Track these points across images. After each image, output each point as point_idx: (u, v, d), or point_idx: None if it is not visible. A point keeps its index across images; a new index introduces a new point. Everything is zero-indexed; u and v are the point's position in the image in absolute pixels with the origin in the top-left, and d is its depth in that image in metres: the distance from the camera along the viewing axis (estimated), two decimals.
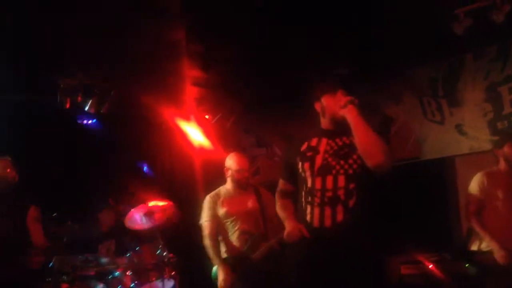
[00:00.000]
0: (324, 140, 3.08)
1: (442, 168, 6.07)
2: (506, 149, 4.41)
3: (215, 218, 4.61)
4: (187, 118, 7.54)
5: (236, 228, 4.55)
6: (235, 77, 6.34)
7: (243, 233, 4.52)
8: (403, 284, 5.09)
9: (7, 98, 5.79)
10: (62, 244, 5.02)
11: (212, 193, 4.77)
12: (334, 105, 3.04)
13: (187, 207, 6.75)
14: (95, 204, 5.93)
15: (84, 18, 4.72)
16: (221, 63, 5.91)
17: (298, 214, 3.13)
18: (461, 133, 5.97)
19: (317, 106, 3.20)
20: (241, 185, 4.69)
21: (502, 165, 4.47)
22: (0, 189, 4.39)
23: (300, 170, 3.08)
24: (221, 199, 4.66)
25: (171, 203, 5.37)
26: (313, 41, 5.46)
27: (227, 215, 4.58)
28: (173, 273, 5.33)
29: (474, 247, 4.42)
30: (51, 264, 4.78)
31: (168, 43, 5.44)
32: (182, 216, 5.54)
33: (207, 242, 4.54)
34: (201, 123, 7.60)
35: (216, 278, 4.41)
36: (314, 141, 3.12)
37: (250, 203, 4.63)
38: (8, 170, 4.46)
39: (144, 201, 5.53)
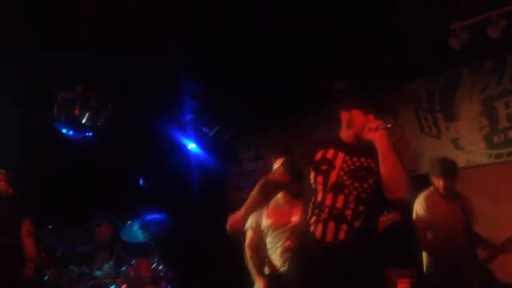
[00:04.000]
0: (341, 155, 2.99)
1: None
2: (434, 180, 4.43)
3: (258, 227, 4.09)
4: (185, 131, 7.57)
5: (280, 243, 3.98)
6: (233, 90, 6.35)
7: (286, 251, 3.91)
8: None
9: (2, 110, 5.78)
10: (57, 257, 4.98)
11: None
12: (364, 124, 2.98)
13: (183, 221, 6.76)
14: (91, 217, 5.90)
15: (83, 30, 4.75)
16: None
17: (303, 222, 3.09)
18: (458, 147, 5.98)
19: (344, 116, 3.10)
20: (292, 193, 4.01)
21: (436, 190, 4.46)
22: None
23: (312, 181, 3.00)
24: (269, 208, 4.07)
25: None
26: (311, 55, 5.49)
27: (270, 227, 4.02)
28: (169, 286, 5.30)
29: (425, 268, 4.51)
30: (46, 277, 4.75)
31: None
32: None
33: (246, 252, 4.11)
34: (199, 136, 7.62)
35: None
36: (330, 153, 3.02)
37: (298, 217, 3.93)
38: (2, 183, 4.43)
39: (141, 215, 5.53)
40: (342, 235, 2.87)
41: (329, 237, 2.88)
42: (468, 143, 5.92)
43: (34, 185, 5.57)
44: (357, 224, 2.88)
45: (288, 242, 3.90)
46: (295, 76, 5.94)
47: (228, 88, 6.31)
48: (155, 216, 5.66)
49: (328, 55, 5.47)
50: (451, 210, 4.36)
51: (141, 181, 7.24)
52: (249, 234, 4.13)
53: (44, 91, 5.79)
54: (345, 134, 3.10)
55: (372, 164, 2.93)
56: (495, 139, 5.71)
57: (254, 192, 3.19)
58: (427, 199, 4.43)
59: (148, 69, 5.73)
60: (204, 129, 7.46)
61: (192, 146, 7.80)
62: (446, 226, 4.31)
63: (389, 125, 2.91)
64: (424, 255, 4.50)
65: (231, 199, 7.88)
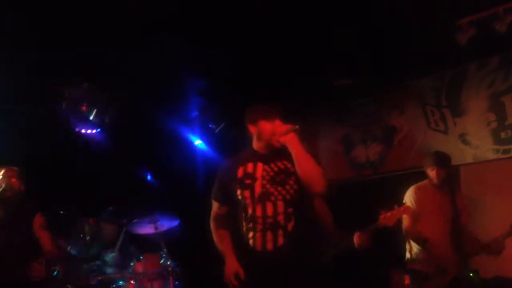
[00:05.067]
0: (260, 165, 3.12)
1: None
2: (428, 171, 4.63)
3: None
4: (191, 128, 7.58)
5: None
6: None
7: None
8: None
9: (12, 107, 5.81)
10: (67, 252, 5.02)
11: None
12: (273, 131, 3.10)
13: (190, 216, 6.78)
14: (98, 213, 5.94)
15: (88, 27, 4.76)
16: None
17: (238, 238, 3.19)
18: (465, 142, 5.98)
19: (252, 129, 3.21)
20: None
21: (429, 182, 4.67)
22: (6, 199, 4.40)
23: (240, 197, 3.12)
24: None
25: None
26: (317, 53, 5.49)
27: None
28: (176, 282, 5.33)
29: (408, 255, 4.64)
30: (55, 273, 4.79)
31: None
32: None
33: None
34: (205, 133, 7.63)
35: None
36: (250, 167, 3.15)
37: None
38: (14, 180, 4.47)
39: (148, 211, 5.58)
40: (280, 241, 3.00)
41: (269, 246, 3.01)
42: (475, 138, 5.91)
43: (42, 181, 5.60)
44: (290, 226, 3.01)
45: None
46: (301, 73, 5.94)
47: (234, 84, 6.31)
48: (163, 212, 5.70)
49: (333, 52, 5.46)
50: (441, 200, 4.55)
51: (148, 176, 7.28)
52: None
53: (53, 88, 5.82)
54: (257, 145, 3.23)
55: (289, 165, 3.07)
56: (502, 134, 5.70)
57: (217, 241, 3.34)
58: (419, 189, 4.64)
59: (154, 66, 5.74)
60: (210, 125, 7.47)
61: (198, 142, 7.81)
62: (434, 215, 4.49)
63: (296, 127, 3.04)
64: (411, 243, 4.62)
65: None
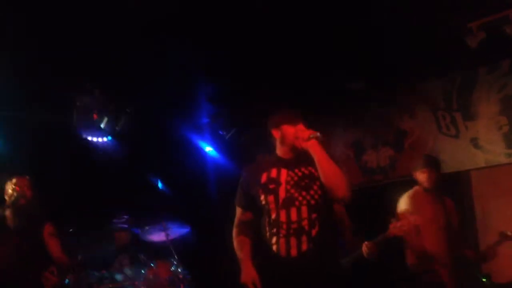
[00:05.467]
0: (284, 171, 3.14)
1: (457, 182, 6.02)
2: (418, 174, 4.51)
3: None
4: (201, 134, 7.59)
5: None
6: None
7: None
8: None
9: (22, 115, 5.86)
10: (78, 260, 5.03)
11: None
12: (295, 135, 3.14)
13: (201, 223, 6.79)
14: (111, 221, 5.96)
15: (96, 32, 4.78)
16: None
17: (262, 244, 3.17)
18: (476, 146, 5.93)
19: (276, 134, 3.26)
20: None
21: (419, 188, 4.54)
22: (18, 207, 4.44)
23: (264, 202, 3.13)
24: None
25: None
26: (327, 57, 5.48)
27: None
28: None
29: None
30: (66, 281, 4.80)
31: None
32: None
33: None
34: (215, 139, 7.64)
35: None
36: (273, 172, 3.17)
37: None
38: (26, 188, 4.51)
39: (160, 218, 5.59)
40: (304, 247, 2.99)
41: (293, 251, 3.00)
42: (487, 142, 5.86)
43: (55, 190, 5.64)
44: (314, 232, 3.01)
45: None
46: (310, 78, 5.93)
47: (245, 91, 6.32)
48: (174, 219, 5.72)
49: (344, 55, 5.45)
50: (435, 206, 4.44)
51: (159, 183, 7.30)
52: None
53: (64, 96, 5.85)
54: (280, 150, 3.26)
55: (313, 170, 3.08)
56: None
57: (237, 247, 3.30)
58: (412, 197, 4.50)
59: (164, 73, 5.76)
60: (220, 132, 7.48)
61: (208, 149, 7.83)
62: (430, 222, 4.36)
63: (318, 134, 3.07)
64: (408, 252, 4.52)
65: None
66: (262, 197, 3.13)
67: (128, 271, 5.53)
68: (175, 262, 5.47)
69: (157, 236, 5.73)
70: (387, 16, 4.83)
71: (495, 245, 4.46)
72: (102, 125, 6.34)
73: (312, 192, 3.05)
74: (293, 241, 3.00)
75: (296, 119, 3.20)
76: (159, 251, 5.73)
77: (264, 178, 3.17)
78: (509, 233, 4.42)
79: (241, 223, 3.35)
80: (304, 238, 2.99)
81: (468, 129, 6.03)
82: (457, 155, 6.05)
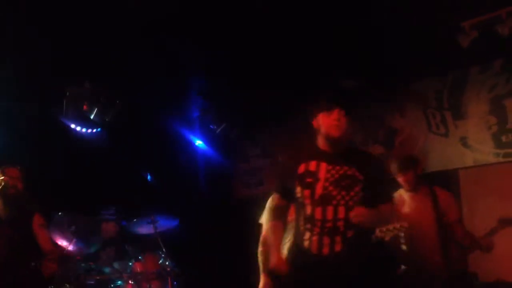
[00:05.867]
0: (323, 166, 3.02)
1: (445, 181, 6.04)
2: (399, 177, 4.48)
3: None
4: (192, 128, 7.58)
5: (288, 239, 3.86)
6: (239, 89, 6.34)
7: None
8: None
9: (11, 107, 5.83)
10: (66, 252, 5.01)
11: None
12: (331, 122, 3.02)
13: (190, 216, 6.77)
14: (98, 212, 5.93)
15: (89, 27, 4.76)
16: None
17: (295, 237, 3.12)
18: (466, 145, 5.96)
19: (315, 124, 3.14)
20: None
21: (402, 190, 4.54)
22: (9, 196, 4.42)
23: (299, 195, 3.03)
24: None
25: None
26: (319, 55, 5.48)
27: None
28: (175, 282, 5.32)
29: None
30: None
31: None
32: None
33: (259, 247, 4.12)
34: (206, 133, 7.63)
35: None
36: (312, 165, 3.04)
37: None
38: (17, 179, 4.48)
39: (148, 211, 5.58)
40: (338, 247, 2.92)
41: (325, 250, 2.93)
42: (476, 142, 5.89)
43: (44, 181, 5.61)
44: (350, 234, 2.93)
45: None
46: (303, 74, 5.92)
47: (235, 86, 6.31)
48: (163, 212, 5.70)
49: (335, 55, 5.45)
50: (420, 203, 4.43)
51: (148, 176, 7.27)
52: (263, 230, 4.15)
53: (54, 87, 5.81)
54: (322, 143, 3.11)
55: (356, 173, 2.97)
56: (503, 138, 5.69)
57: (269, 231, 3.24)
58: (399, 199, 4.48)
59: (155, 66, 5.74)
60: (211, 126, 7.47)
61: (199, 143, 7.81)
62: (417, 221, 4.31)
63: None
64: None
65: (238, 195, 7.90)
66: (298, 190, 3.02)
67: (115, 264, 5.51)
68: (163, 255, 5.46)
69: (145, 229, 5.70)
70: (381, 16, 4.84)
71: (492, 233, 4.42)
72: (91, 116, 6.30)
73: (352, 193, 2.94)
74: (326, 240, 2.92)
75: (330, 106, 3.04)
76: (147, 244, 5.71)
77: (301, 169, 3.05)
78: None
79: (278, 207, 3.23)
80: (338, 239, 2.92)
81: (457, 128, 6.06)
82: (446, 153, 6.08)
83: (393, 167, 4.52)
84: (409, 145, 6.36)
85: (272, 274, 3.03)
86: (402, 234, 4.25)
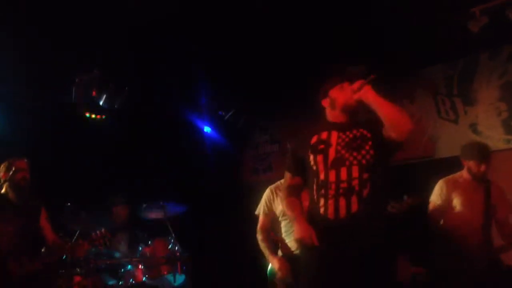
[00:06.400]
0: (335, 133, 3.05)
1: (455, 167, 6.02)
2: (471, 164, 4.36)
3: (270, 213, 4.26)
4: (200, 114, 7.60)
5: (293, 229, 3.75)
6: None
7: None
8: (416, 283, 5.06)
9: (18, 94, 5.86)
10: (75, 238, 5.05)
11: (273, 185, 4.39)
12: (345, 94, 3.07)
13: (199, 202, 6.81)
14: (108, 198, 5.98)
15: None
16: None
17: (310, 207, 3.08)
18: (475, 132, 5.94)
19: (325, 103, 3.19)
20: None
21: (465, 174, 4.43)
22: (21, 187, 4.46)
23: (312, 163, 3.03)
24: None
25: None
26: (328, 40, 5.45)
27: (284, 213, 4.04)
28: (184, 267, 5.37)
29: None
30: (64, 256, 4.83)
31: None
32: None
33: (258, 236, 4.25)
34: (214, 119, 7.65)
35: (272, 276, 4.08)
36: (324, 135, 3.08)
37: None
38: (25, 169, 4.51)
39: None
40: (354, 208, 2.88)
41: (342, 213, 2.89)
42: (486, 128, 5.87)
43: (51, 168, 5.66)
44: (365, 192, 2.90)
45: None
46: (310, 60, 5.90)
47: (244, 72, 6.30)
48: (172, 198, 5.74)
49: (344, 41, 5.42)
50: (473, 194, 4.33)
51: (157, 162, 7.26)
52: (261, 219, 4.30)
53: (63, 74, 5.83)
54: (333, 115, 3.16)
55: (365, 132, 3.00)
56: None
57: (288, 207, 3.18)
58: (450, 182, 4.41)
59: (164, 53, 5.74)
60: (219, 112, 7.48)
61: (207, 129, 7.83)
62: (463, 210, 4.29)
63: (371, 77, 2.97)
64: (435, 239, 4.45)
65: (246, 181, 7.92)
66: (311, 158, 3.03)
67: (125, 248, 5.57)
68: (172, 240, 5.50)
69: (155, 214, 5.75)
70: (390, 2, 4.81)
71: None
72: (101, 102, 6.33)
73: (363, 152, 2.94)
74: (342, 201, 2.89)
75: (340, 80, 3.13)
76: (156, 229, 5.75)
77: (314, 139, 3.09)
78: None
79: (290, 187, 3.22)
80: (354, 199, 2.88)
81: (467, 114, 6.03)
82: (456, 140, 6.03)
83: (470, 153, 4.40)
84: (419, 131, 6.33)
85: (301, 244, 2.94)
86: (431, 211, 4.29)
